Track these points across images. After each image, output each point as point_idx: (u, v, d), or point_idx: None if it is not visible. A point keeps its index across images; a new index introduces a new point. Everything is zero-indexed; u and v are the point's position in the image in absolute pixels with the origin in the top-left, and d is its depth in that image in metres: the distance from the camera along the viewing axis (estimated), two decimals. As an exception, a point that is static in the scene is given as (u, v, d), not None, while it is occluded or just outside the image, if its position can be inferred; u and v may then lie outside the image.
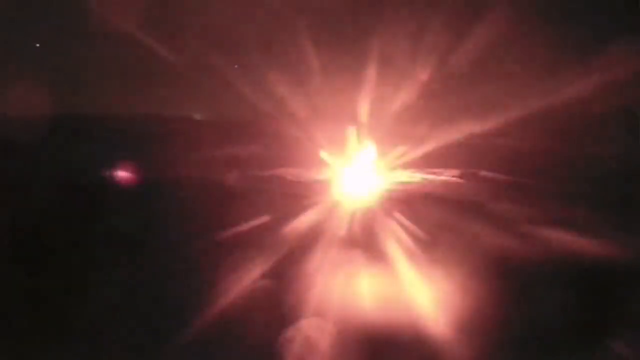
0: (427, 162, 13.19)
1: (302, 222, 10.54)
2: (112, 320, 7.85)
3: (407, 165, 13.28)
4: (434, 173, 13.41)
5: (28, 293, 8.48)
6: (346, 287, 8.76)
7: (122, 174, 12.17)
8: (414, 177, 13.20)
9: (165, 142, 13.32)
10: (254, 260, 9.14)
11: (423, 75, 12.95)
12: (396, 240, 10.06)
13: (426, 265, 9.25)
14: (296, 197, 11.63)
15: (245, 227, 10.11)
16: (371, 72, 12.75)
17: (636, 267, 9.05)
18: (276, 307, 8.17)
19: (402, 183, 12.85)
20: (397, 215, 10.88)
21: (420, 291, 8.66)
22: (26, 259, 9.30)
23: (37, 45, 13.59)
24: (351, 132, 13.28)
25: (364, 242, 10.04)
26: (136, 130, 14.13)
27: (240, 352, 7.40)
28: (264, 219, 10.42)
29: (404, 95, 12.97)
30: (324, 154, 13.15)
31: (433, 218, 10.58)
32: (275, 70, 12.87)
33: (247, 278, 8.78)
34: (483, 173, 13.29)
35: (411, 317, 8.02)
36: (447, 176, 13.36)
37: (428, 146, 12.84)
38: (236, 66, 12.76)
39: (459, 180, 13.21)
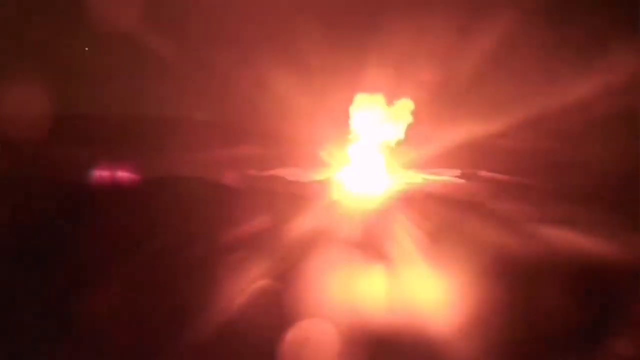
0: (428, 162, 13.22)
1: (303, 222, 10.52)
2: (113, 320, 7.85)
3: (409, 165, 13.30)
4: (435, 173, 13.42)
5: (28, 292, 8.47)
6: (347, 287, 8.76)
7: (123, 174, 12.15)
8: (416, 177, 13.21)
9: (165, 142, 13.32)
10: (254, 260, 9.13)
11: (424, 76, 12.97)
12: (397, 240, 10.05)
13: (427, 265, 9.24)
14: (296, 197, 11.61)
15: (245, 227, 10.09)
16: (372, 73, 12.77)
17: (636, 267, 9.06)
18: (277, 307, 8.17)
19: (404, 183, 12.86)
20: (398, 214, 10.88)
21: (421, 290, 8.66)
22: (26, 258, 9.29)
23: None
24: (351, 133, 13.29)
25: (365, 241, 10.03)
26: (136, 130, 14.13)
27: (241, 352, 7.40)
28: (264, 219, 10.40)
29: (405, 97, 13.00)
30: (324, 154, 13.14)
31: (434, 217, 10.58)
32: (276, 71, 12.88)
33: (247, 278, 8.77)
34: (483, 173, 13.31)
35: (412, 317, 8.02)
36: (448, 176, 13.37)
37: (429, 146, 12.87)
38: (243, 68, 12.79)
39: (459, 180, 13.23)
